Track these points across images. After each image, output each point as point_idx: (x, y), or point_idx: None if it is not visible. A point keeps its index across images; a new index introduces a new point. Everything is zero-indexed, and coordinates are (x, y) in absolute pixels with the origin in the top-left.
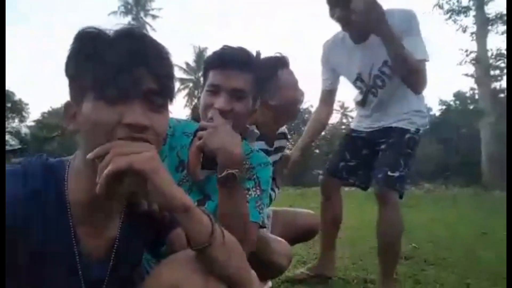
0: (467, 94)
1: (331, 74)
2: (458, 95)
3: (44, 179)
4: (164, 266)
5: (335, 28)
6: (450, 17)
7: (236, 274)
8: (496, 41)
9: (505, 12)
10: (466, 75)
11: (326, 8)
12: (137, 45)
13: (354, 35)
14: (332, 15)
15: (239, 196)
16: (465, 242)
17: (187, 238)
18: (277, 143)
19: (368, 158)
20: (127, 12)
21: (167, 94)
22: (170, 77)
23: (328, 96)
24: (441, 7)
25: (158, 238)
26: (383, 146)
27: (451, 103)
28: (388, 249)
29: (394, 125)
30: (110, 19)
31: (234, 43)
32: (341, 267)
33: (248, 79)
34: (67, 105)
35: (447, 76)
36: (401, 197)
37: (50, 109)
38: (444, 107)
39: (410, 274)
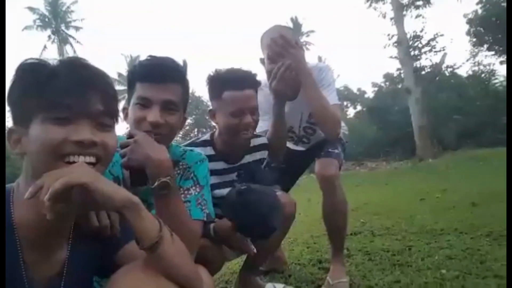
0: (395, 75)
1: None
2: (387, 76)
3: None
4: (116, 277)
5: None
6: (370, 5)
7: (186, 273)
8: (412, 24)
9: None
10: (391, 57)
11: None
12: (82, 70)
13: None
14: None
15: (175, 202)
16: (406, 210)
17: (137, 238)
18: (249, 157)
19: (298, 166)
20: (44, 25)
21: (114, 114)
22: (116, 98)
23: None
24: None
25: (107, 258)
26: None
27: (382, 84)
28: (336, 228)
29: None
30: (24, 35)
31: (163, 51)
32: (296, 252)
33: (178, 91)
34: (10, 131)
35: (376, 60)
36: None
37: None
38: (376, 89)
39: (360, 247)
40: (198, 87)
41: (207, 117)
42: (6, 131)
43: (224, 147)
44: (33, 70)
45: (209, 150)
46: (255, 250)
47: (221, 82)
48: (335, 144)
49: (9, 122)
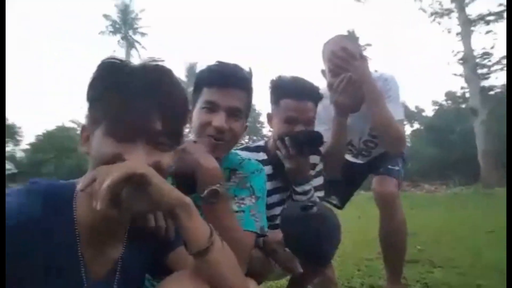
0: (458, 94)
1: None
2: (449, 95)
3: (50, 201)
4: (164, 284)
5: None
6: (434, 20)
7: (234, 284)
8: (480, 40)
9: (485, 13)
10: (455, 74)
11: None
12: (152, 85)
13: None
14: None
15: (225, 210)
16: (470, 241)
17: (187, 242)
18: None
19: (355, 177)
20: (115, 31)
21: (174, 136)
22: (180, 118)
23: None
24: (424, 10)
25: (159, 259)
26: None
27: (443, 103)
28: (394, 251)
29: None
30: (98, 39)
31: (225, 59)
32: (346, 273)
33: (243, 97)
34: (82, 128)
35: (438, 77)
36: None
37: (45, 132)
38: (436, 107)
39: (418, 278)
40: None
41: (258, 125)
42: (81, 127)
43: (275, 154)
44: (108, 73)
45: (262, 155)
46: (301, 270)
47: (282, 88)
48: (396, 160)
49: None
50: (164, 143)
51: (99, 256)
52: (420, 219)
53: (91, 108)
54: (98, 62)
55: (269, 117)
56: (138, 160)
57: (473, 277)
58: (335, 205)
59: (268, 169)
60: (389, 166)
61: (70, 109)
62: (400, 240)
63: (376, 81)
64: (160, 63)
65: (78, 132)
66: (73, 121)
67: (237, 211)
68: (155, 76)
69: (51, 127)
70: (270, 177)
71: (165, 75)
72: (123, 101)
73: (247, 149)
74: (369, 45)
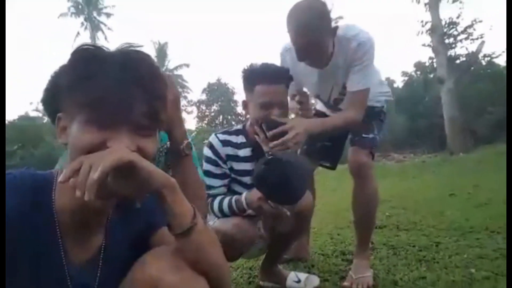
0: (427, 64)
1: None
2: (419, 65)
3: (32, 191)
4: (145, 259)
5: None
6: None
7: (215, 261)
8: (447, 10)
9: None
10: (424, 45)
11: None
12: (130, 71)
13: (315, 60)
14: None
15: (191, 164)
16: (433, 205)
17: (171, 222)
18: None
19: (340, 139)
20: (78, 12)
21: (156, 121)
22: (161, 103)
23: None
24: None
25: (143, 241)
26: None
27: (413, 73)
28: (365, 220)
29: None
30: (60, 21)
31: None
32: (319, 243)
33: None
34: (59, 118)
35: (408, 48)
36: (372, 158)
37: (8, 123)
38: (406, 78)
39: (385, 241)
40: (225, 74)
41: (232, 104)
42: (56, 117)
43: (254, 137)
44: (84, 60)
45: (241, 138)
46: (288, 213)
47: (255, 75)
48: (371, 126)
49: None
50: (146, 129)
51: (81, 243)
52: (389, 188)
53: (67, 98)
54: (60, 46)
55: (245, 104)
56: (121, 147)
57: (434, 237)
58: (328, 167)
59: (247, 151)
60: (363, 135)
61: (32, 97)
62: (371, 209)
63: (350, 42)
64: (137, 48)
65: (45, 121)
66: (37, 110)
67: None
68: (135, 61)
69: (12, 117)
70: (249, 159)
71: (144, 60)
72: (104, 88)
73: (227, 132)
74: (340, 17)
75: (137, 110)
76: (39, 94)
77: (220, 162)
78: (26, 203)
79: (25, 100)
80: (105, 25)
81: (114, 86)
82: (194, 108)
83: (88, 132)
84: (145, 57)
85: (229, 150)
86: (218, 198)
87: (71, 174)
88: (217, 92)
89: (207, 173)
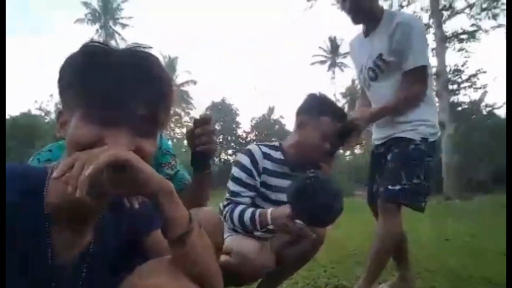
0: None
1: (357, 71)
2: None
3: (20, 185)
4: (138, 272)
5: None
6: None
7: (209, 272)
8: (453, 57)
9: (460, 31)
10: None
11: None
12: (138, 70)
13: (364, 27)
14: (342, 7)
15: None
16: (429, 248)
17: (167, 227)
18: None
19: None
20: (94, 20)
21: (157, 123)
22: (165, 105)
23: (363, 92)
24: None
25: (134, 243)
26: (388, 158)
27: None
28: (377, 258)
29: (398, 135)
30: (76, 26)
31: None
32: (313, 274)
33: None
34: (59, 113)
35: None
36: (420, 209)
37: (9, 117)
38: None
39: (380, 280)
40: (231, 95)
41: (234, 125)
42: (57, 112)
43: (295, 157)
44: (89, 56)
45: (279, 155)
46: (314, 236)
47: (326, 106)
48: (399, 172)
49: None
50: (147, 129)
51: (70, 242)
52: None
53: (70, 92)
54: (73, 49)
55: (301, 123)
56: (119, 146)
57: (429, 280)
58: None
59: (286, 169)
60: (389, 187)
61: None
62: (386, 249)
63: (393, 23)
64: (147, 49)
65: (47, 120)
66: (40, 109)
67: (173, 173)
68: (142, 61)
69: (15, 113)
70: (286, 176)
71: (151, 60)
72: (108, 85)
73: (267, 146)
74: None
75: (139, 110)
76: (44, 94)
77: (254, 173)
78: (15, 195)
79: (31, 99)
80: (119, 34)
81: (116, 83)
82: None
83: (86, 128)
84: (152, 58)
85: (268, 164)
86: (240, 207)
87: (66, 170)
88: (221, 111)
89: (237, 180)
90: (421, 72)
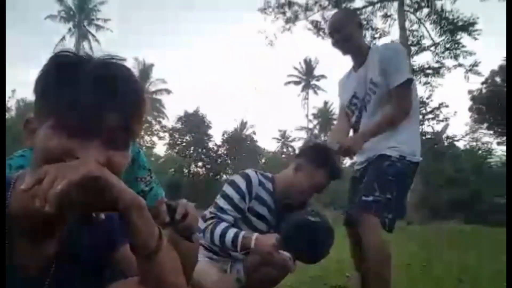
0: None
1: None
2: None
3: None
4: None
5: None
6: None
7: (178, 286)
8: (419, 90)
9: (426, 66)
10: None
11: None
12: (107, 81)
13: (354, 61)
14: (332, 44)
15: None
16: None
17: (137, 243)
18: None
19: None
20: (68, 18)
21: (129, 135)
22: (136, 117)
23: (340, 117)
24: None
25: (101, 257)
26: (365, 176)
27: None
28: (376, 277)
29: (378, 153)
30: (46, 22)
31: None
32: None
33: None
34: (28, 121)
35: None
36: (388, 229)
37: None
38: None
39: None
40: (204, 106)
41: (205, 138)
42: (25, 120)
43: (283, 193)
44: (61, 66)
45: (270, 186)
46: (293, 268)
47: (326, 160)
48: (372, 184)
49: None
50: (118, 142)
51: (33, 253)
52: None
53: (41, 101)
54: (40, 48)
55: (299, 167)
56: (90, 159)
57: None
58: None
59: (271, 201)
60: (363, 198)
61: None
62: (381, 265)
63: (379, 47)
64: (119, 61)
65: (7, 117)
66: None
67: (147, 189)
68: (115, 72)
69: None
70: (270, 207)
71: (123, 73)
72: (79, 95)
73: (263, 176)
74: (323, 76)
75: (110, 122)
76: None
77: (247, 198)
78: None
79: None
80: (93, 35)
81: (88, 95)
82: (167, 135)
83: (56, 139)
84: (124, 70)
85: (262, 192)
86: (223, 225)
87: (35, 183)
88: (193, 123)
89: (227, 198)
90: (406, 86)
